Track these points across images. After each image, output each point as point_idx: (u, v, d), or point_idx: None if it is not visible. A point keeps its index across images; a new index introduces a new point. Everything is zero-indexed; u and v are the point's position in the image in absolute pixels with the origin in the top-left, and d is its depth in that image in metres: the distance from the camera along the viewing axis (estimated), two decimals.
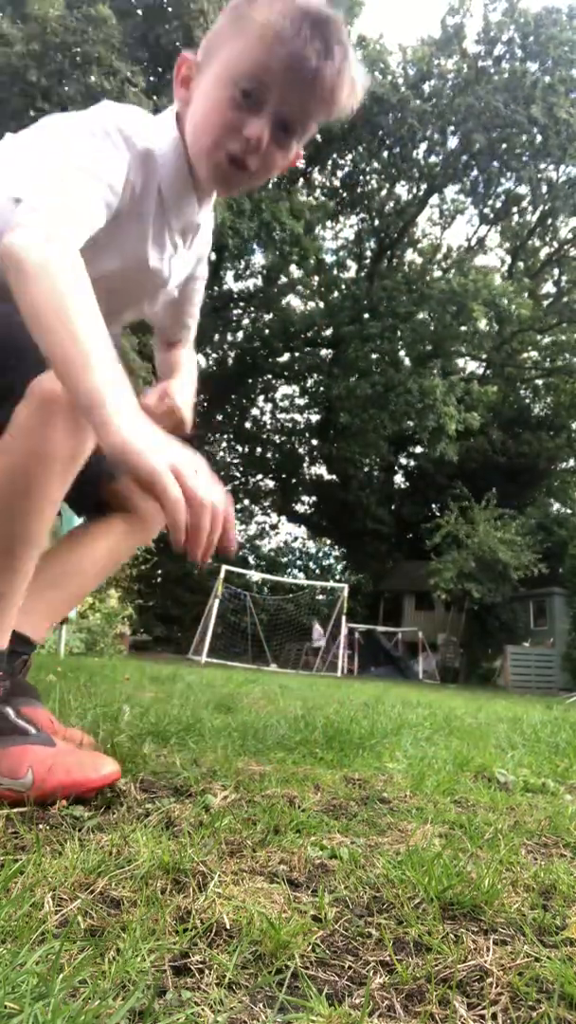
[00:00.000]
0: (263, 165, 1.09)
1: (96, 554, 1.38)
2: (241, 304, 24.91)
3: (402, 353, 21.27)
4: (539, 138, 19.84)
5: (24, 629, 1.23)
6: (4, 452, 1.00)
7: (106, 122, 1.04)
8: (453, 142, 21.38)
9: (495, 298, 18.90)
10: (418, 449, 22.69)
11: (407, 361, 20.00)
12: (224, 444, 27.72)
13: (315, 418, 27.13)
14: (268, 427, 28.30)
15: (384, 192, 24.32)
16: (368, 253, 25.27)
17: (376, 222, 24.71)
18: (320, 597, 19.69)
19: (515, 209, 23.99)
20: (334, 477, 26.30)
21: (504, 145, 20.49)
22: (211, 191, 1.20)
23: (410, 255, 26.36)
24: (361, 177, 24.05)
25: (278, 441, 28.19)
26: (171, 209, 1.16)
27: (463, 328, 20.23)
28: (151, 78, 17.32)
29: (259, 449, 27.98)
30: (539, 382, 25.84)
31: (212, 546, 0.79)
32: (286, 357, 25.35)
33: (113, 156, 1.03)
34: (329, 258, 25.20)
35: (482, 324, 21.05)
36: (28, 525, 1.02)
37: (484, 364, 24.63)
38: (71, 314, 0.83)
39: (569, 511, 21.99)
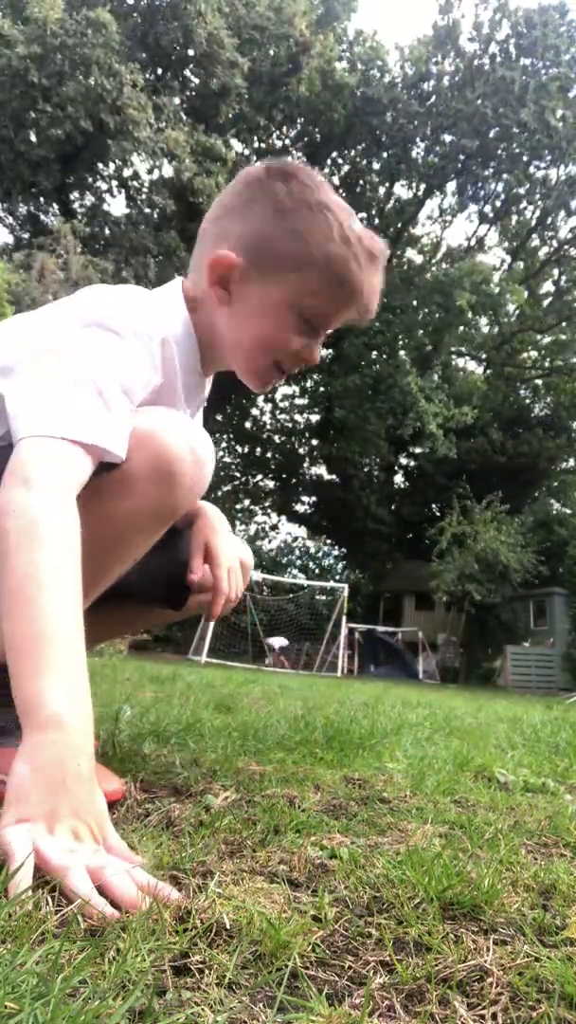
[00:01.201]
0: (300, 368, 1.16)
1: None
2: None
3: (402, 354, 21.29)
4: (536, 138, 19.83)
5: None
6: (106, 502, 0.95)
7: (117, 320, 0.95)
8: (450, 142, 21.39)
9: (481, 284, 18.83)
10: (418, 449, 22.73)
11: (403, 355, 19.96)
12: (224, 444, 27.71)
13: (315, 418, 27.14)
14: (268, 427, 28.32)
15: (383, 191, 24.35)
16: None
17: (376, 221, 24.73)
18: (320, 597, 19.70)
19: (514, 208, 23.99)
20: (334, 477, 26.30)
21: (502, 144, 20.48)
22: (213, 371, 1.22)
23: (410, 254, 26.39)
24: (361, 176, 24.07)
25: (278, 441, 28.20)
26: (187, 391, 1.13)
27: (461, 327, 20.17)
28: (149, 76, 17.33)
29: (259, 449, 27.99)
30: (539, 382, 25.85)
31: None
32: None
33: (139, 360, 0.97)
34: None
35: (482, 323, 21.05)
36: (109, 571, 1.02)
37: (484, 364, 24.64)
38: (41, 604, 0.74)
39: (569, 511, 22.00)
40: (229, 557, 1.26)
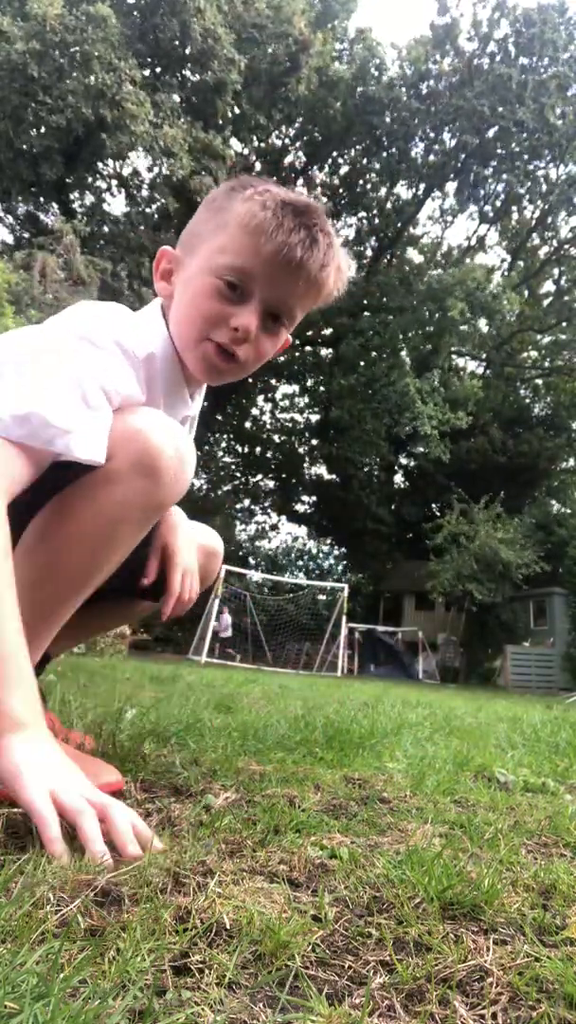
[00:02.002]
0: (253, 354, 1.09)
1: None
2: None
3: (403, 354, 21.29)
4: (536, 137, 19.80)
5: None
6: (94, 499, 0.99)
7: (103, 335, 0.99)
8: (450, 141, 21.37)
9: (476, 291, 18.70)
10: (418, 449, 22.75)
11: (403, 355, 19.92)
12: (224, 444, 27.72)
13: (315, 418, 27.15)
14: (268, 427, 28.34)
15: (383, 191, 24.34)
16: (369, 252, 25.29)
17: (376, 221, 24.71)
18: (320, 597, 19.71)
19: (514, 208, 23.98)
20: (334, 477, 26.31)
21: (502, 143, 20.45)
22: (200, 383, 1.21)
23: (410, 253, 26.38)
24: (360, 176, 24.05)
25: (278, 441, 28.22)
26: (169, 408, 1.15)
27: (455, 333, 20.04)
28: (146, 72, 17.32)
29: (259, 449, 28.00)
30: (539, 382, 25.85)
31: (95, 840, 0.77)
32: (286, 357, 25.39)
33: (121, 369, 1.00)
34: None
35: (481, 323, 21.00)
36: (100, 567, 1.03)
37: (484, 364, 24.65)
38: None
39: (569, 511, 22.00)
40: (186, 559, 1.30)
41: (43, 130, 15.24)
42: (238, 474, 28.12)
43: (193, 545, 1.35)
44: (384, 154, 22.51)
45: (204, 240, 1.08)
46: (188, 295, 1.08)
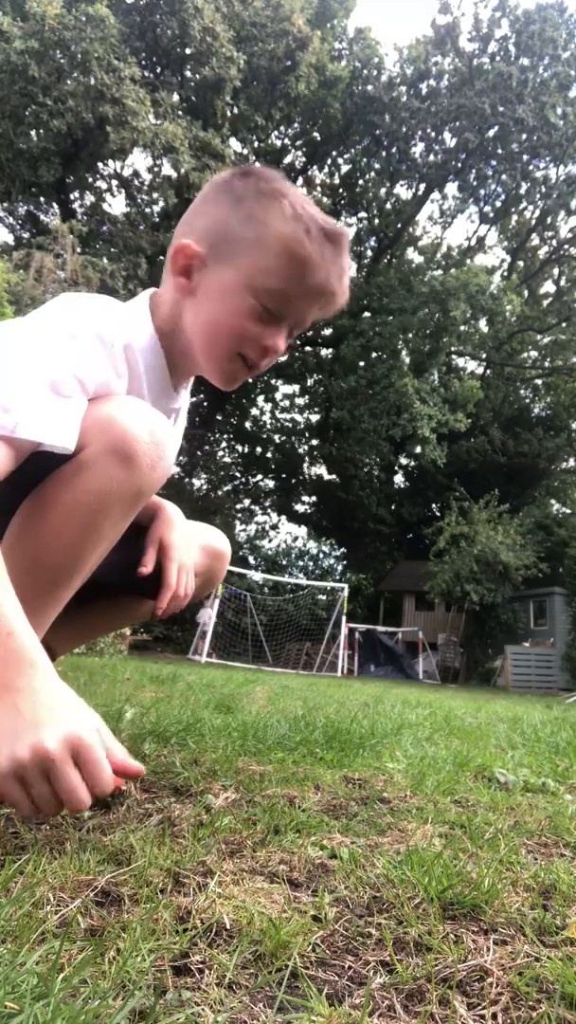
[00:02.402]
0: (269, 363, 1.14)
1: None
2: None
3: (403, 354, 21.29)
4: (535, 137, 19.81)
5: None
6: (70, 489, 0.98)
7: (79, 324, 0.98)
8: (450, 140, 21.36)
9: (478, 294, 18.67)
10: (418, 449, 22.79)
11: (403, 355, 19.88)
12: (224, 444, 27.73)
13: (315, 418, 27.16)
14: (268, 427, 28.34)
15: (383, 191, 24.35)
16: (369, 252, 25.30)
17: (376, 221, 24.72)
18: (320, 597, 19.70)
19: (514, 209, 24.00)
20: (334, 477, 26.32)
21: (502, 143, 20.45)
22: (187, 377, 1.22)
23: (410, 254, 26.39)
24: (361, 176, 24.06)
25: (278, 441, 28.22)
26: (155, 400, 1.14)
27: (459, 326, 20.02)
28: (147, 73, 17.32)
29: (259, 449, 28.01)
30: (539, 382, 25.86)
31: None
32: (286, 357, 25.39)
33: (95, 359, 0.98)
34: None
35: (482, 323, 21.00)
36: (82, 559, 1.02)
37: (484, 364, 24.66)
38: None
39: (569, 511, 22.01)
40: (182, 554, 1.29)
41: (42, 132, 15.25)
42: (238, 474, 28.13)
43: (192, 543, 1.34)
44: (384, 154, 22.50)
45: (240, 252, 1.06)
46: (222, 308, 1.07)
